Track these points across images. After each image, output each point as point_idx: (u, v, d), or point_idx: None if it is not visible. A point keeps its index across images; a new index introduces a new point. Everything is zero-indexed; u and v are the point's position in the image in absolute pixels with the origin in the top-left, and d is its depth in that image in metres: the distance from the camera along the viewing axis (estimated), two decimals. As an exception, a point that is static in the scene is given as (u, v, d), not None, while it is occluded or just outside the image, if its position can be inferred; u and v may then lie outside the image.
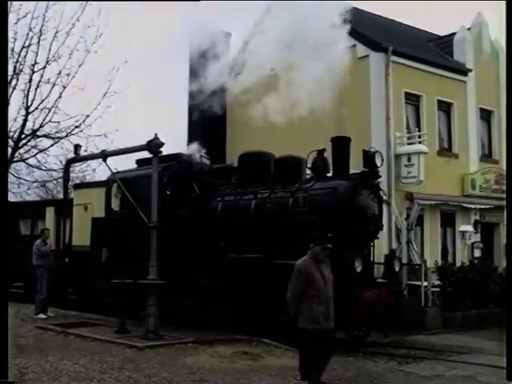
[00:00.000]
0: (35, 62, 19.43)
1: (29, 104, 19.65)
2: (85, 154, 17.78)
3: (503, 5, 7.61)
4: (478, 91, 19.55)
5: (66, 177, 16.56)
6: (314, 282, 7.61)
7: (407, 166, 16.75)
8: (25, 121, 19.78)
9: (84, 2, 19.50)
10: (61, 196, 18.53)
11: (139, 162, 14.62)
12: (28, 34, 19.12)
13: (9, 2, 17.65)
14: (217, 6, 13.69)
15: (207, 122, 19.87)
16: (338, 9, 11.40)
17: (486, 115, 20.20)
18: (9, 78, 18.46)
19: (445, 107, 18.94)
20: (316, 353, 7.54)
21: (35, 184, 22.35)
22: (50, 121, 20.02)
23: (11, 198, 19.87)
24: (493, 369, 9.30)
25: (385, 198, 13.50)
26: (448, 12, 37.07)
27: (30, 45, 19.24)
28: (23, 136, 19.98)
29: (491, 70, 19.99)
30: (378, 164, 11.83)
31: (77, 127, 20.22)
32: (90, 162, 19.82)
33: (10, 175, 19.69)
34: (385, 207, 13.67)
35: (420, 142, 17.14)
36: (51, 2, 19.20)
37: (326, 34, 11.34)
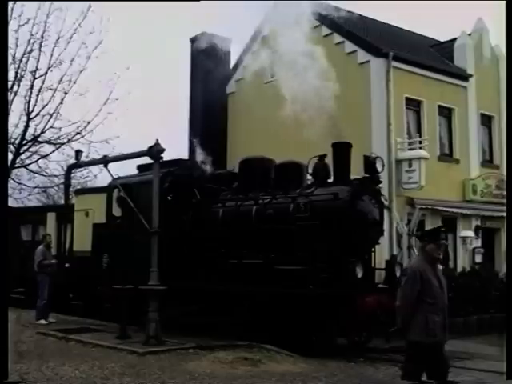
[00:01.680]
0: (36, 68, 19.51)
1: (30, 110, 19.72)
2: (86, 159, 17.85)
3: (503, 10, 7.64)
4: (478, 97, 19.57)
5: (68, 183, 16.59)
6: (430, 287, 6.63)
7: (408, 171, 16.74)
8: (26, 127, 19.84)
9: (85, 8, 19.61)
10: (62, 202, 18.56)
11: (140, 167, 14.64)
12: (29, 40, 19.22)
13: (9, 6, 17.74)
14: (218, 10, 13.72)
15: (209, 126, 19.95)
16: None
17: (486, 120, 20.21)
18: (10, 84, 18.55)
19: (445, 112, 18.96)
20: (433, 367, 6.69)
21: (36, 190, 22.42)
22: (51, 127, 20.11)
23: (12, 203, 19.94)
24: (495, 375, 9.28)
25: (386, 203, 13.51)
26: (449, 17, 37.15)
27: (31, 51, 19.33)
28: (24, 142, 20.03)
29: (492, 76, 20.03)
30: (379, 169, 11.84)
31: (78, 133, 20.31)
32: (91, 167, 19.89)
33: (11, 181, 19.75)
34: (386, 213, 13.67)
35: (421, 148, 17.14)
36: (52, 8, 19.31)
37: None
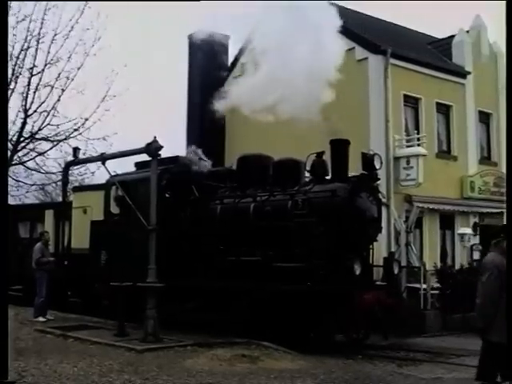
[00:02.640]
0: (34, 65, 19.46)
1: (27, 107, 19.69)
2: (84, 157, 17.83)
3: (502, 7, 7.62)
4: (476, 94, 19.57)
5: (65, 180, 16.57)
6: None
7: (406, 168, 16.75)
8: (23, 124, 19.82)
9: (82, 5, 19.57)
10: (60, 199, 18.54)
11: (138, 164, 14.62)
12: (26, 37, 19.18)
13: (8, 3, 17.70)
14: (216, 7, 13.67)
15: (206, 124, 19.93)
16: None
17: (484, 118, 20.21)
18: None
19: (444, 110, 18.96)
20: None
21: (34, 187, 22.37)
22: (48, 124, 20.06)
23: (10, 200, 19.85)
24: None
25: (384, 200, 13.50)
26: (447, 15, 37.20)
27: (28, 48, 19.28)
28: (22, 139, 20.00)
29: (490, 73, 20.02)
30: (377, 166, 11.84)
31: (76, 130, 20.27)
32: (88, 165, 19.83)
33: (8, 178, 19.71)
34: (384, 210, 13.68)
35: (419, 145, 17.16)
36: (49, 5, 19.26)
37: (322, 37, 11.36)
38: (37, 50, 19.42)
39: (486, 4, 20.09)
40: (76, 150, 15.61)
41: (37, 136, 20.21)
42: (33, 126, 20.00)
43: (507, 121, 8.14)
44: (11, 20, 18.50)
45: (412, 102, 18.05)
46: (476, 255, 18.05)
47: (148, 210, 11.80)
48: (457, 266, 17.15)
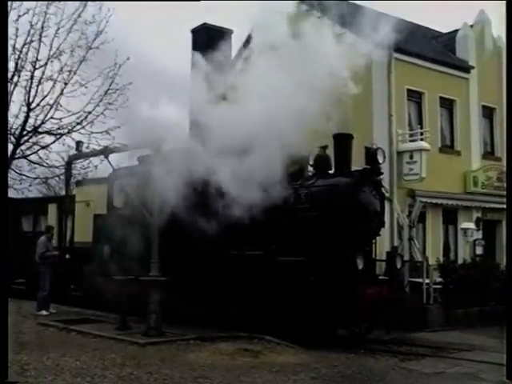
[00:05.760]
0: (37, 59, 19.41)
1: (30, 100, 19.62)
2: (86, 150, 17.82)
3: (503, 3, 7.60)
4: (480, 88, 19.53)
5: (68, 174, 16.57)
6: None
7: (409, 163, 16.74)
8: (26, 117, 19.75)
9: (85, -1, 19.50)
10: (63, 192, 18.54)
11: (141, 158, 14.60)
12: (29, 31, 19.10)
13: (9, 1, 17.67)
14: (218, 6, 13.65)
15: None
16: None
17: (488, 112, 20.17)
18: (10, 74, 18.46)
19: (447, 104, 18.92)
20: None
21: (37, 180, 22.34)
22: (51, 117, 20.00)
23: (13, 194, 19.88)
24: (494, 366, 9.29)
25: (387, 194, 13.48)
26: (450, 9, 36.93)
27: (31, 41, 19.23)
28: (25, 132, 19.96)
29: (493, 68, 19.94)
30: (380, 161, 11.82)
31: (78, 124, 20.18)
32: (91, 158, 19.79)
33: (11, 172, 19.70)
34: (387, 204, 13.65)
35: (422, 139, 17.13)
36: (52, -1, 19.20)
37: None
38: (40, 43, 19.38)
39: (489, -1, 19.99)
40: (79, 143, 15.62)
41: (40, 130, 20.14)
42: (36, 119, 19.94)
43: (507, 116, 8.10)
44: (13, 14, 18.46)
45: (415, 97, 18.01)
46: (479, 250, 18.04)
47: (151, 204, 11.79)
48: (459, 261, 17.15)
